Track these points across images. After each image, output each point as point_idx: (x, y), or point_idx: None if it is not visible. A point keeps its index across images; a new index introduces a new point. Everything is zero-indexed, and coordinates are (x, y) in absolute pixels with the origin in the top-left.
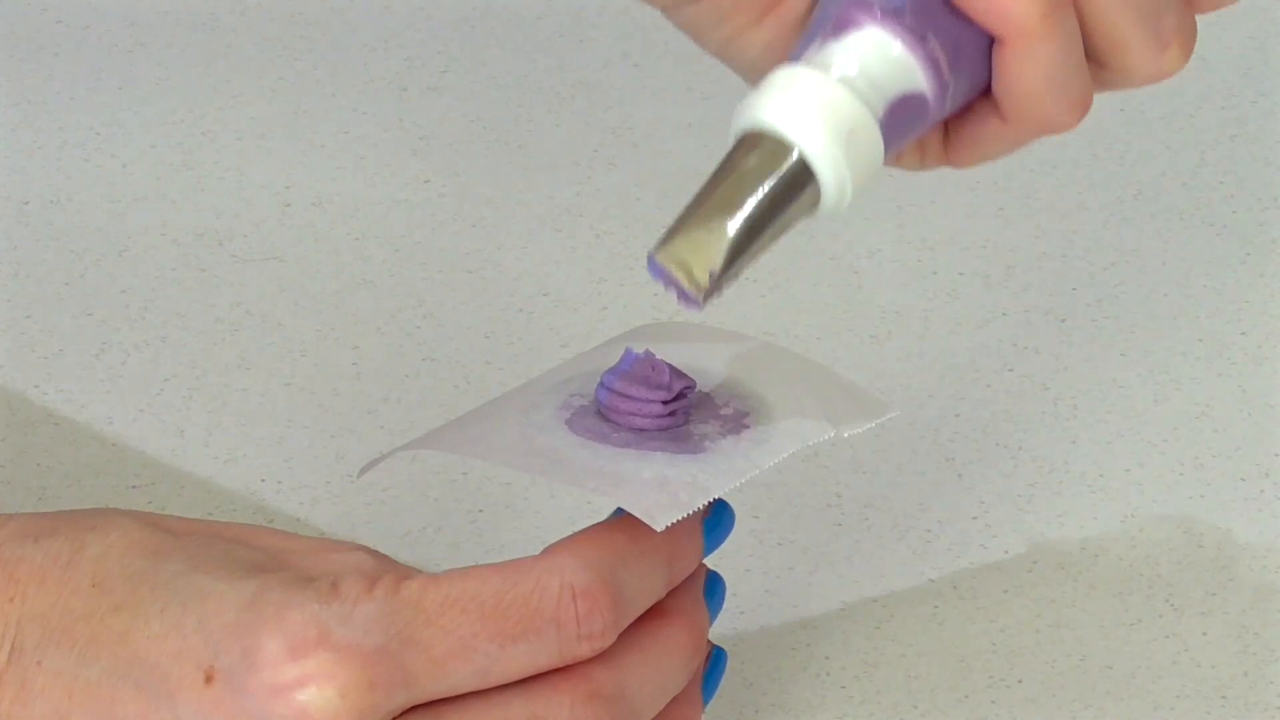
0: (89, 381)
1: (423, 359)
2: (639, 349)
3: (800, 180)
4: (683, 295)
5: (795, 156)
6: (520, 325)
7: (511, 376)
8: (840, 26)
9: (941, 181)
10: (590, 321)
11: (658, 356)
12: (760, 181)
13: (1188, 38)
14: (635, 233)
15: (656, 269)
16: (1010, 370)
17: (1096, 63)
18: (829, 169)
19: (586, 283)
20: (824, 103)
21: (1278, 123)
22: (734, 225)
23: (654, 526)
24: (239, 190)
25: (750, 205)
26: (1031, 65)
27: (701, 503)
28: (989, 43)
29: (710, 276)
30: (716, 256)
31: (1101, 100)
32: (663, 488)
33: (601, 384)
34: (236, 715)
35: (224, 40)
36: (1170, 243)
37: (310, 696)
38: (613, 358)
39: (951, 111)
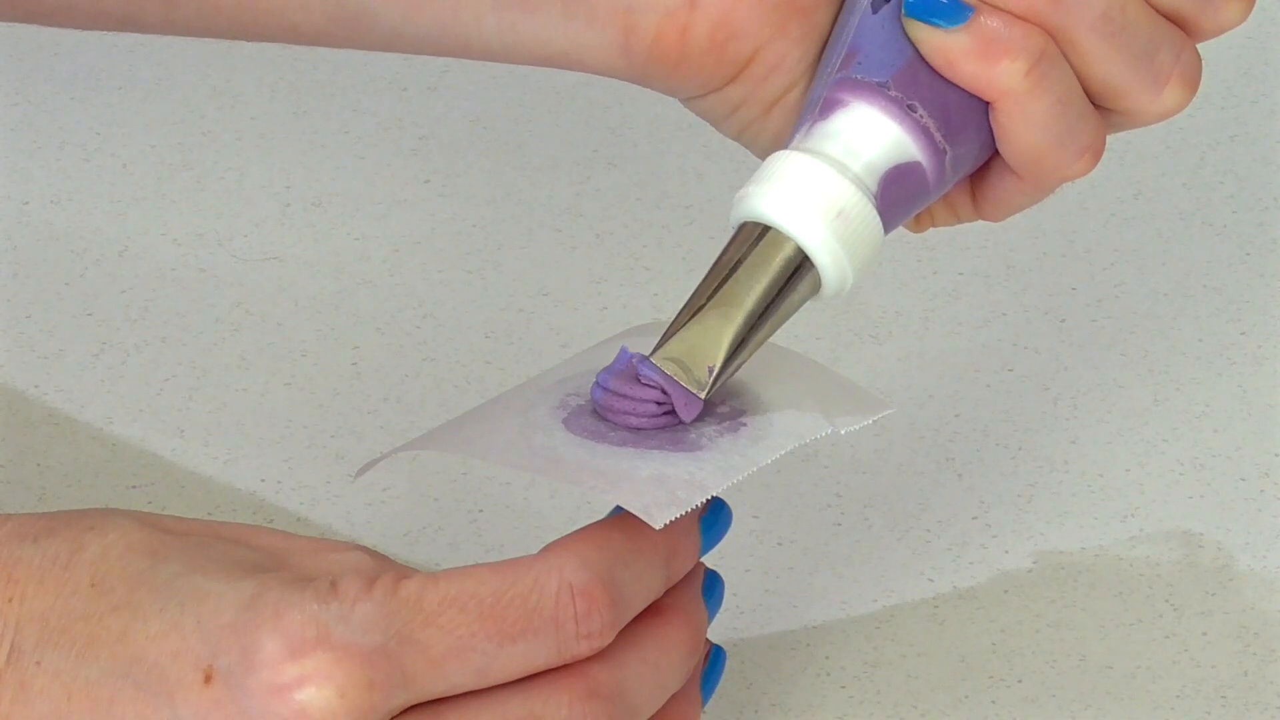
0: (89, 381)
1: (423, 359)
2: (635, 348)
3: (798, 270)
4: (684, 392)
5: (789, 248)
6: (520, 325)
7: (511, 376)
8: (828, 108)
9: None
10: (590, 321)
11: None
12: (755, 275)
13: (1186, 71)
14: (635, 233)
15: (655, 370)
16: (1010, 370)
17: (1099, 108)
18: (826, 256)
19: (586, 283)
20: (815, 189)
21: (1278, 123)
22: (731, 321)
23: (652, 524)
24: (239, 190)
25: (748, 300)
26: (1025, 123)
27: (699, 500)
28: (986, 105)
29: (709, 373)
30: (715, 353)
31: None
32: (660, 485)
33: (597, 383)
34: (235, 715)
35: (224, 40)
36: (1170, 243)
37: (309, 696)
38: (609, 357)
39: (967, 173)
